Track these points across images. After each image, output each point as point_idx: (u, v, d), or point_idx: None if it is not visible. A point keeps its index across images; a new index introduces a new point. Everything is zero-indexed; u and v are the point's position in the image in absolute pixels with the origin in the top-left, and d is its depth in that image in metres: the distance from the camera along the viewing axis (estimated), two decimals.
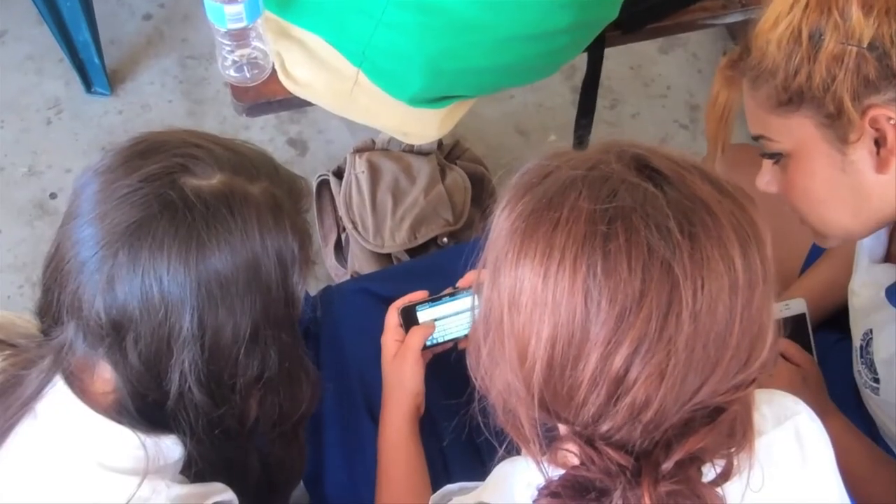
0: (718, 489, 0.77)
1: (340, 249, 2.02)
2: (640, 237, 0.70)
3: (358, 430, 1.32)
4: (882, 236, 1.18)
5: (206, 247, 0.85)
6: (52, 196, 2.17)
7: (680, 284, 0.70)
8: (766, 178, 1.11)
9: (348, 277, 1.94)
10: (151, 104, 2.32)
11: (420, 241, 1.88)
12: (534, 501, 0.79)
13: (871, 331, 1.18)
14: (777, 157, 1.07)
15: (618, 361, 0.71)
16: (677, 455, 0.72)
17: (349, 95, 1.40)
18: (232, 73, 1.45)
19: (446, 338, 1.27)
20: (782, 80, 0.99)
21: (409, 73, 1.32)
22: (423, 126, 1.43)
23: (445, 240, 1.90)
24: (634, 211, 0.72)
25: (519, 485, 0.84)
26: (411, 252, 1.90)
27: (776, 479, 0.85)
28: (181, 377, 0.88)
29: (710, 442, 0.74)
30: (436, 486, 1.10)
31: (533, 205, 0.76)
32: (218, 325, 0.88)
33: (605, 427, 0.74)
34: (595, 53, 1.55)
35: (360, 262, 1.91)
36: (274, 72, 1.44)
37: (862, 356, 1.21)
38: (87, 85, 2.30)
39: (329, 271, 2.04)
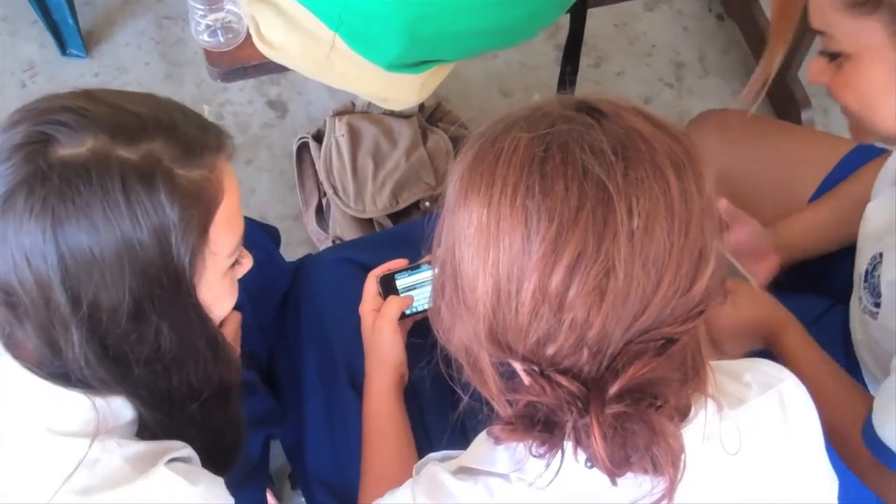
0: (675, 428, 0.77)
1: (322, 214, 1.99)
2: (575, 158, 0.72)
3: (340, 401, 1.31)
4: None
5: (64, 222, 0.81)
6: None
7: (615, 202, 0.71)
8: (817, 69, 1.07)
9: (330, 243, 1.92)
10: (128, 66, 2.28)
11: (402, 205, 1.86)
12: (487, 430, 0.81)
13: (880, 255, 1.18)
14: (836, 56, 1.03)
15: (556, 278, 0.72)
16: (624, 380, 0.73)
17: (326, 60, 1.37)
18: (206, 37, 1.42)
19: (426, 306, 1.25)
20: None
21: (387, 37, 1.29)
22: (403, 91, 1.41)
23: (427, 204, 1.88)
24: (570, 135, 0.74)
25: (499, 449, 0.84)
26: (393, 217, 1.89)
27: (758, 445, 0.85)
28: (74, 352, 0.86)
29: (659, 372, 0.75)
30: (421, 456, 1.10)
31: (479, 146, 0.78)
32: (93, 301, 0.84)
33: (551, 351, 0.75)
34: (577, 14, 1.52)
35: (342, 228, 1.89)
36: (249, 36, 1.41)
37: (866, 280, 1.21)
38: (62, 47, 2.25)
39: (310, 236, 2.02)
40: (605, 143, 0.73)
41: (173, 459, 0.92)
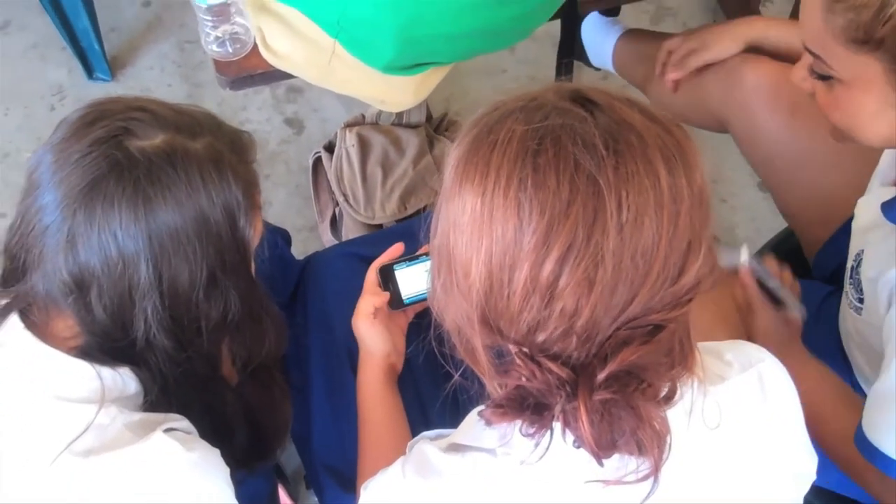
0: (660, 411, 0.80)
1: (336, 224, 2.06)
2: (567, 152, 0.74)
3: (343, 388, 1.36)
4: None
5: (153, 201, 0.93)
6: None
7: (605, 196, 0.73)
8: (802, 76, 1.11)
9: None
10: (152, 88, 2.38)
11: (410, 211, 1.92)
12: (479, 412, 0.84)
13: (862, 251, 1.20)
14: (826, 78, 1.06)
15: (547, 268, 0.74)
16: (612, 366, 0.75)
17: (328, 66, 1.44)
18: (215, 48, 1.50)
19: (426, 295, 1.29)
20: (867, 20, 0.96)
21: (382, 41, 1.35)
22: (399, 93, 1.47)
23: None
24: (563, 129, 0.75)
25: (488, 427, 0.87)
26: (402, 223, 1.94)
27: (737, 421, 0.88)
28: (146, 324, 0.95)
29: (647, 358, 0.77)
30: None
31: (475, 134, 0.80)
32: (173, 273, 0.95)
33: (541, 337, 0.77)
34: (569, 18, 1.58)
35: (353, 234, 1.95)
36: (255, 46, 1.49)
37: (851, 276, 1.23)
38: (89, 71, 2.36)
39: (325, 245, 2.08)
40: (598, 136, 0.75)
41: (172, 430, 0.98)
